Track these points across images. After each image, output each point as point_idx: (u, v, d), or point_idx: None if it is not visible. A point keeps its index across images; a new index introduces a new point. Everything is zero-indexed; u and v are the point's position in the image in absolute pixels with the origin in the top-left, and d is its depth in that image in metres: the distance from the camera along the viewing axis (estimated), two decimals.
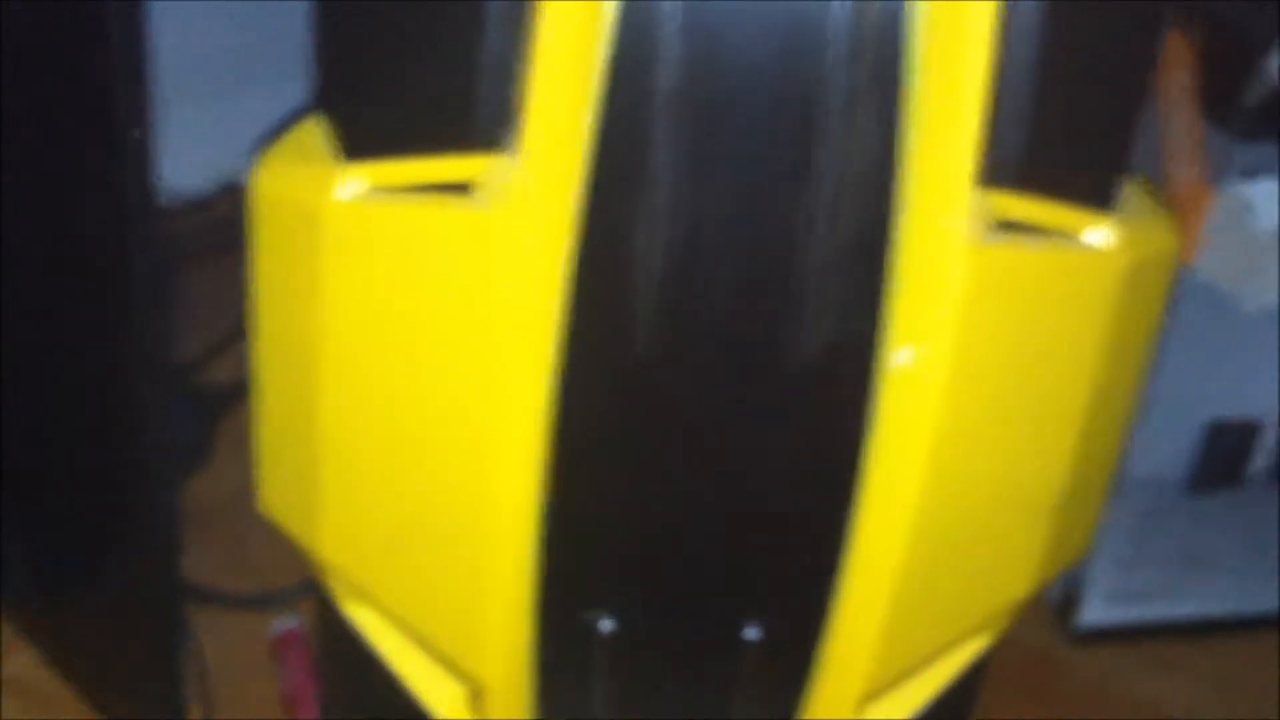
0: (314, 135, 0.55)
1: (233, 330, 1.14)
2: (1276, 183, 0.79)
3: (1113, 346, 0.55)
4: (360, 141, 0.53)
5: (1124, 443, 0.61)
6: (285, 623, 0.94)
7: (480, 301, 0.51)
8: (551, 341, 0.51)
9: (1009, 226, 0.52)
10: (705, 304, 0.52)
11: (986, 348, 0.52)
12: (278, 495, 0.60)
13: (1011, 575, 0.60)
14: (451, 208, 0.51)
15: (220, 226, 1.22)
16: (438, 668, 0.61)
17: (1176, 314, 0.80)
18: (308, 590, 0.92)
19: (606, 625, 0.58)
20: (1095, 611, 0.97)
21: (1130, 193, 0.56)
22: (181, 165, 0.74)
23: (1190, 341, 0.83)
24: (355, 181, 0.52)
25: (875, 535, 0.55)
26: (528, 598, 0.57)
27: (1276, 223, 0.80)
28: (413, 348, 0.53)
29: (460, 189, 0.51)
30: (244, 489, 0.77)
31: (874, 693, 0.61)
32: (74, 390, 0.79)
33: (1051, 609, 1.00)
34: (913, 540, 0.55)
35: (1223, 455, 0.91)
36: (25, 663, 0.91)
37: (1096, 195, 0.54)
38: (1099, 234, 0.54)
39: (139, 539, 0.78)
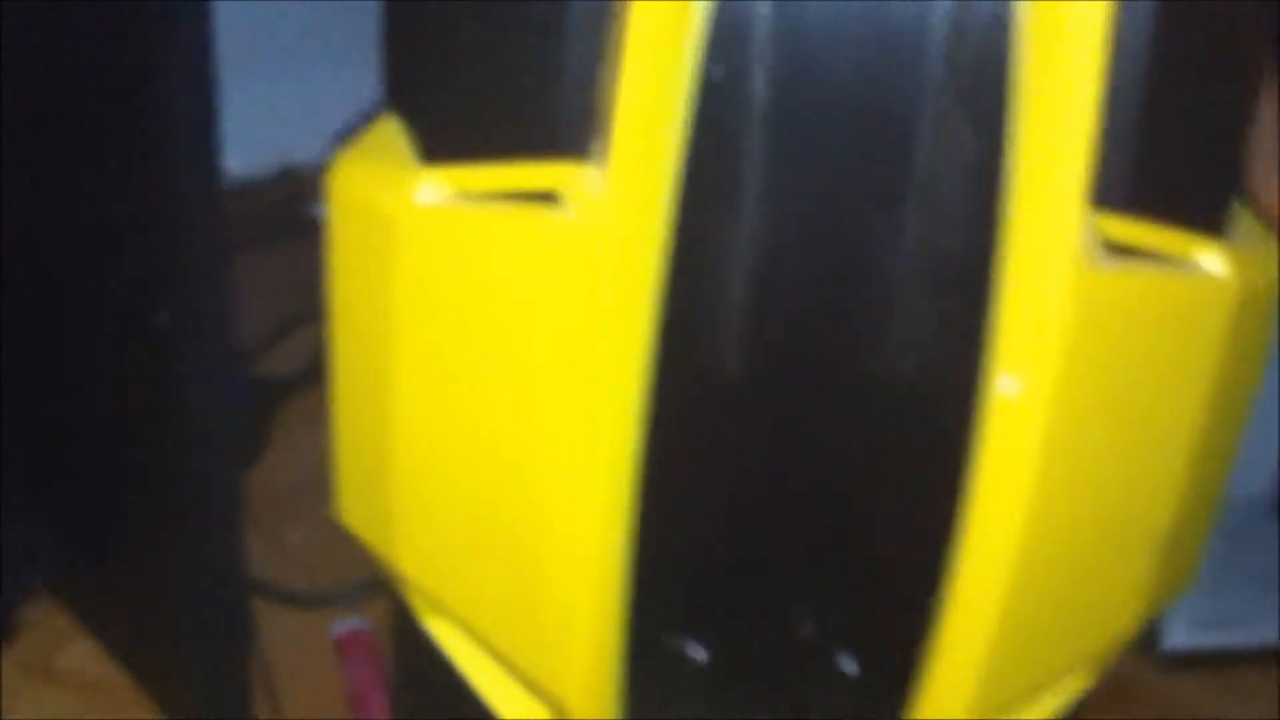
0: (391, 135, 0.54)
1: (289, 319, 1.12)
2: None
3: (1221, 376, 0.53)
4: (437, 143, 0.52)
5: (1229, 472, 0.59)
6: (349, 622, 0.93)
7: (564, 315, 0.49)
8: (639, 357, 0.50)
9: (1116, 250, 0.49)
10: (797, 323, 0.50)
11: (1094, 376, 0.50)
12: (355, 506, 0.58)
13: (1116, 610, 0.58)
14: (535, 217, 0.49)
15: (277, 211, 1.21)
16: (519, 687, 0.59)
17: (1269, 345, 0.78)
18: (371, 589, 0.91)
19: (696, 652, 0.56)
20: (1178, 636, 0.94)
21: (1240, 216, 0.53)
22: (238, 148, 0.73)
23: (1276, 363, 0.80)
24: (434, 186, 0.51)
25: (977, 566, 0.53)
26: (615, 621, 0.55)
27: None
28: (492, 360, 0.51)
29: (543, 197, 0.49)
30: (301, 482, 0.76)
31: None
32: (131, 382, 0.78)
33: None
34: (1016, 573, 0.53)
35: None
36: (83, 655, 0.91)
37: (1207, 218, 0.52)
38: (1211, 260, 0.51)
39: (197, 533, 0.77)
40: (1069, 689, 0.60)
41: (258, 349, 1.13)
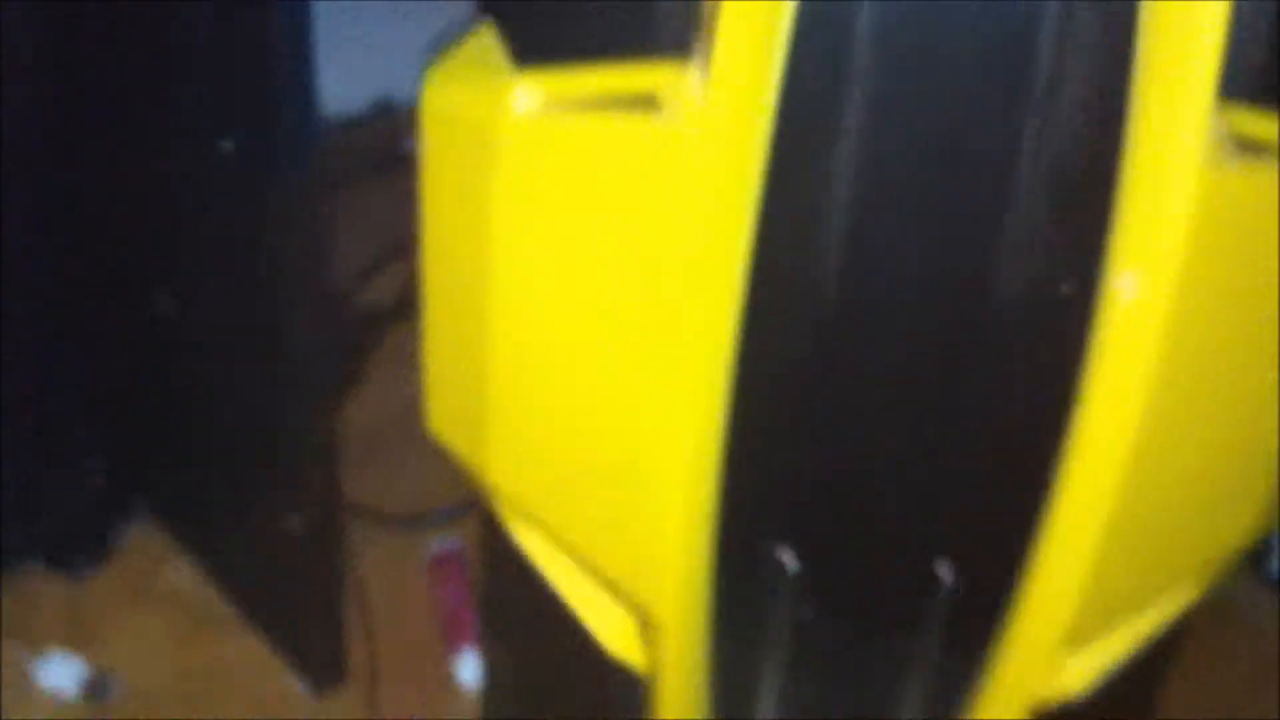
0: (485, 45, 0.52)
1: (385, 254, 1.13)
2: None
3: None
4: (533, 48, 0.50)
5: None
6: (443, 543, 0.93)
7: (663, 222, 0.48)
8: (738, 266, 0.48)
9: (1246, 145, 0.47)
10: (901, 237, 0.48)
11: (1217, 278, 0.48)
12: (446, 417, 0.58)
13: (1226, 522, 0.56)
14: (634, 125, 0.48)
15: (374, 147, 1.21)
16: (607, 597, 0.59)
17: None
18: (464, 511, 0.92)
19: (789, 561, 0.55)
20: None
21: None
22: (335, 85, 0.73)
23: None
24: (530, 94, 0.49)
25: (1086, 475, 0.52)
26: (706, 528, 0.55)
27: None
28: (589, 268, 0.50)
29: (642, 102, 0.48)
30: (398, 411, 0.76)
31: (1075, 640, 0.57)
32: (232, 314, 0.79)
33: (1249, 556, 0.95)
34: (1125, 481, 0.51)
35: None
36: (182, 575, 0.92)
37: None
38: None
39: (293, 459, 0.78)
40: (1175, 602, 0.58)
41: (355, 283, 1.14)
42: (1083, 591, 0.54)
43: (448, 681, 0.85)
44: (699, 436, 0.52)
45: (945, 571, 0.55)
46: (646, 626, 0.58)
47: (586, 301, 0.51)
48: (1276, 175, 0.47)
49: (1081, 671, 0.59)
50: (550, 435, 0.55)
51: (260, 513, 0.85)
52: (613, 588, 0.58)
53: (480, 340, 0.54)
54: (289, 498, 0.80)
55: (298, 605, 0.85)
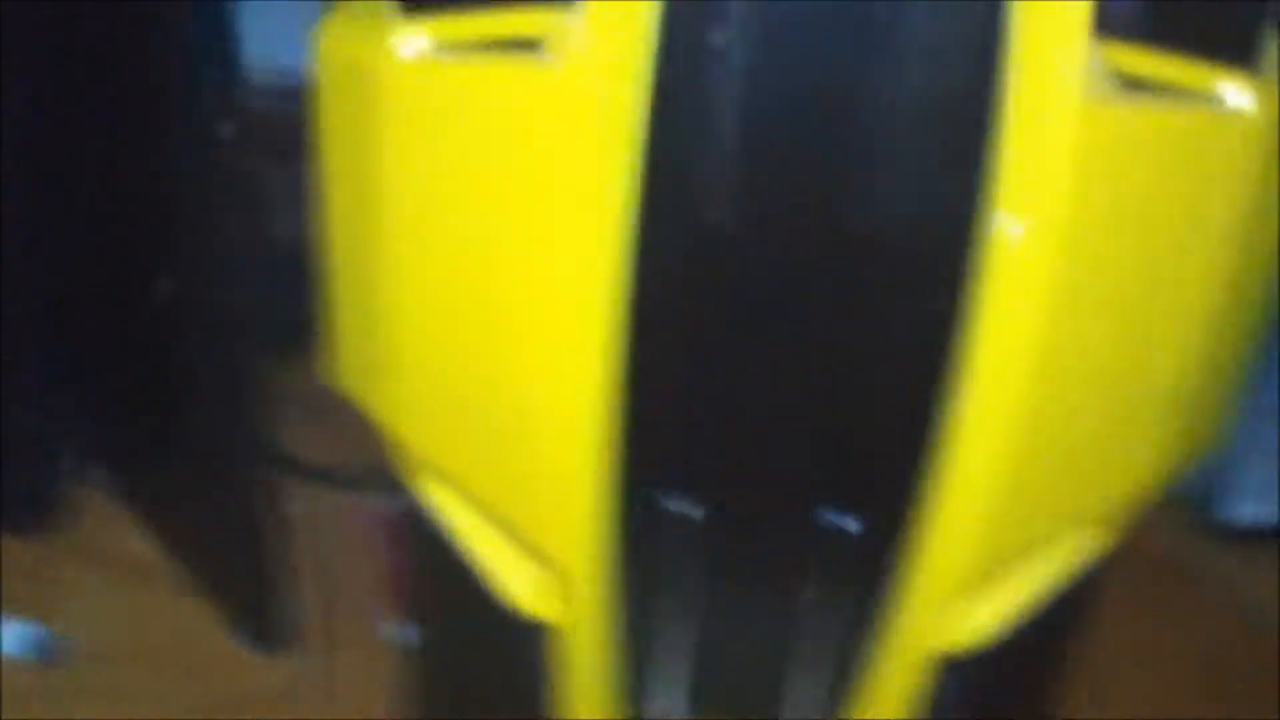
0: None
1: None
2: None
3: (1248, 220, 0.50)
4: None
5: (1262, 328, 0.56)
6: (393, 502, 0.93)
7: (548, 164, 0.48)
8: (624, 206, 0.48)
9: (1132, 84, 0.46)
10: (786, 168, 0.48)
11: (1103, 217, 0.47)
12: (349, 368, 0.58)
13: (1128, 466, 0.55)
14: (517, 67, 0.47)
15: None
16: (516, 550, 0.59)
17: None
18: None
19: (689, 509, 0.55)
20: (1234, 508, 0.91)
21: (1272, 47, 0.49)
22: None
23: None
24: (416, 38, 0.49)
25: (979, 418, 0.51)
26: (606, 478, 0.54)
27: None
28: (479, 214, 0.50)
29: (525, 45, 0.48)
30: None
31: (976, 586, 0.57)
32: (175, 279, 0.79)
33: (1192, 504, 0.95)
34: (1020, 424, 0.51)
35: None
36: (131, 539, 0.92)
37: (1234, 50, 0.48)
38: (1236, 93, 0.48)
39: (235, 424, 0.78)
40: (1080, 548, 0.58)
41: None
42: (979, 536, 0.54)
43: (395, 640, 0.85)
44: (592, 385, 0.52)
45: (847, 520, 0.54)
46: (555, 579, 0.58)
47: (476, 247, 0.51)
48: (1158, 112, 0.46)
49: (985, 620, 0.58)
50: (449, 385, 0.55)
51: (205, 476, 0.85)
52: (519, 541, 0.58)
53: (376, 289, 0.54)
54: (232, 460, 0.80)
55: (245, 567, 0.85)
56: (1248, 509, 0.92)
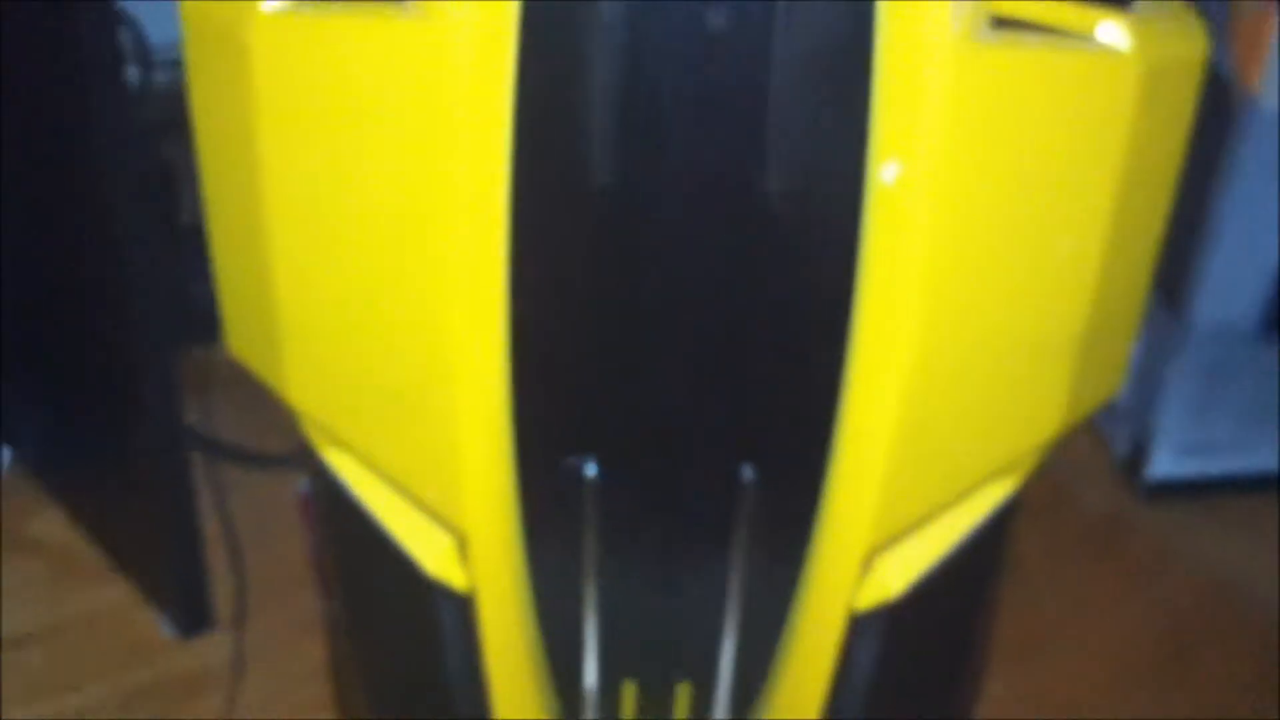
0: None
1: None
2: None
3: (1132, 161, 0.49)
4: None
5: (1151, 271, 0.56)
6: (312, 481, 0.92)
7: (420, 118, 0.47)
8: (501, 164, 0.47)
9: (1006, 24, 0.46)
10: (663, 119, 0.47)
11: (982, 162, 0.47)
12: (242, 337, 0.57)
13: (1030, 416, 0.55)
14: (380, 18, 0.46)
15: None
16: (422, 517, 0.58)
17: (1242, 148, 0.74)
18: None
19: (590, 469, 0.55)
20: (1163, 465, 0.92)
21: None
22: None
23: (1258, 177, 0.76)
24: None
25: (871, 371, 0.51)
26: (504, 442, 0.54)
27: None
28: (356, 173, 0.49)
29: None
30: None
31: (886, 541, 0.57)
32: (85, 258, 0.78)
33: (1120, 463, 0.96)
34: (913, 375, 0.51)
35: None
36: (52, 522, 0.92)
37: None
38: (1112, 32, 0.48)
39: (143, 399, 0.77)
40: (987, 497, 0.58)
41: None
42: (882, 488, 0.54)
43: (318, 621, 0.85)
44: (483, 346, 0.51)
45: (746, 473, 0.54)
46: (461, 544, 0.58)
47: (356, 207, 0.50)
48: (1033, 51, 0.46)
49: (897, 572, 0.58)
50: (341, 351, 0.54)
51: (117, 457, 0.84)
52: (424, 506, 0.57)
53: (261, 256, 0.53)
54: (142, 440, 0.79)
55: (161, 549, 0.84)
56: (1174, 466, 0.92)
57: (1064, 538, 0.93)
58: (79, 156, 0.73)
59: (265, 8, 0.47)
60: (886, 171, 0.46)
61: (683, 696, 0.64)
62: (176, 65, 1.23)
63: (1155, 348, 0.87)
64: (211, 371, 0.99)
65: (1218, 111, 0.75)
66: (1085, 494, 0.96)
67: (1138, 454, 0.92)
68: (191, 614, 0.84)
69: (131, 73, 0.96)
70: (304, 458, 0.94)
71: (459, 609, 0.59)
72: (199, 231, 1.05)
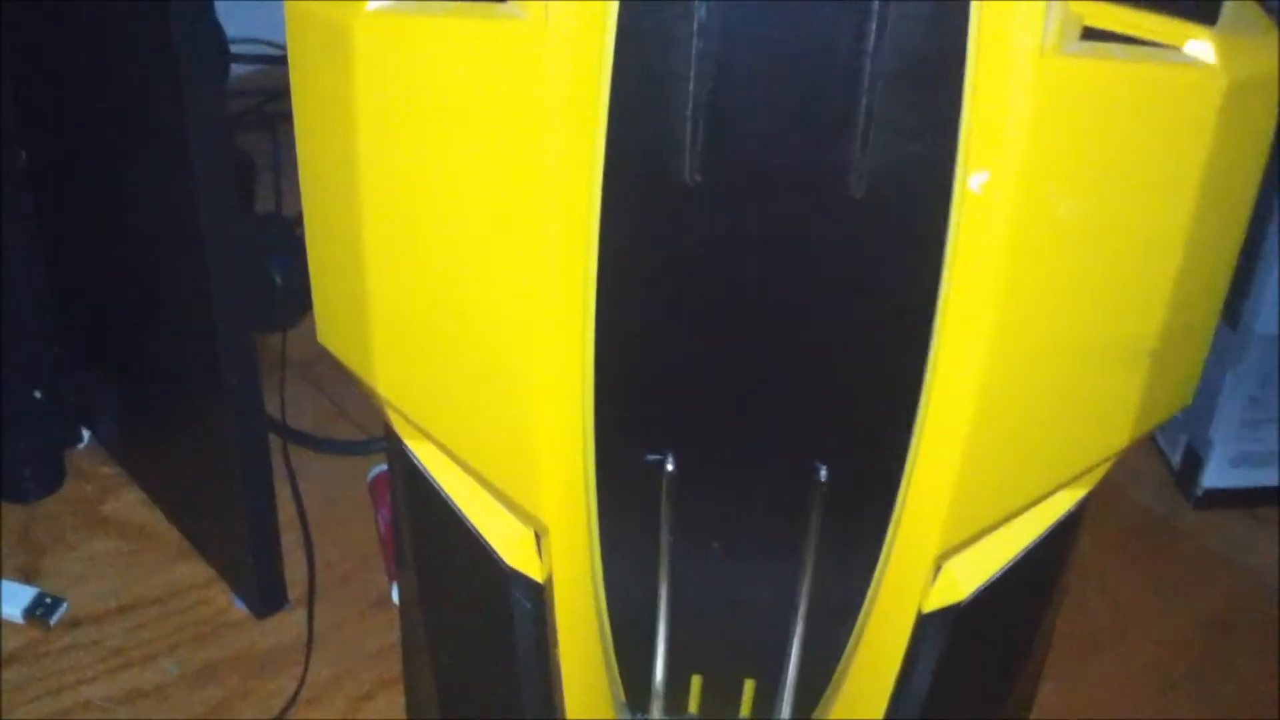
0: None
1: None
2: None
3: (1212, 176, 0.50)
4: None
5: (1226, 285, 0.56)
6: (384, 467, 0.94)
7: (517, 120, 0.48)
8: (593, 164, 0.49)
9: (1094, 35, 0.47)
10: (754, 123, 0.48)
11: (1066, 168, 0.48)
12: (333, 328, 0.58)
13: (1103, 425, 0.56)
14: (480, 17, 0.48)
15: None
16: (501, 509, 0.60)
17: None
18: None
19: (668, 464, 0.56)
20: (1217, 476, 0.92)
21: (1237, 4, 0.50)
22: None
23: None
24: None
25: (949, 376, 0.52)
26: (583, 436, 0.55)
27: None
28: (450, 171, 0.50)
29: None
30: None
31: (956, 545, 0.58)
32: (166, 239, 0.79)
33: (1172, 474, 0.96)
34: (990, 381, 0.52)
35: None
36: (128, 501, 0.94)
37: (1198, 6, 0.49)
38: (1199, 47, 0.48)
39: (224, 383, 0.79)
40: (1056, 505, 0.58)
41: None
42: (957, 494, 0.55)
43: (385, 602, 0.87)
44: (567, 342, 0.53)
45: (822, 472, 0.55)
46: (538, 536, 0.59)
47: (451, 204, 0.51)
48: (1119, 63, 0.47)
49: (966, 575, 0.59)
50: (429, 345, 0.55)
51: (195, 440, 0.86)
52: (502, 499, 0.59)
53: (357, 247, 0.54)
54: (222, 423, 0.81)
55: (238, 530, 0.86)
56: (1226, 476, 0.93)
57: (1115, 541, 0.93)
58: (168, 147, 0.75)
59: (370, 6, 0.49)
60: (974, 180, 0.47)
61: (748, 692, 0.65)
62: (254, 60, 1.26)
63: (1211, 359, 0.88)
64: (283, 358, 1.02)
65: None
66: (1139, 499, 0.96)
67: (1191, 463, 0.93)
68: (266, 593, 0.86)
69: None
70: (374, 444, 0.96)
71: (534, 598, 0.61)
72: (273, 222, 1.07)
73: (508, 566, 0.60)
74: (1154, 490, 0.97)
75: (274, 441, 0.93)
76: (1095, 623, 0.87)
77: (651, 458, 0.56)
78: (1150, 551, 0.93)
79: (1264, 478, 0.92)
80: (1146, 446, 1.00)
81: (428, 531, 0.65)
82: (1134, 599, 0.89)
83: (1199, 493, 0.93)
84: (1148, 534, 0.94)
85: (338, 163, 0.53)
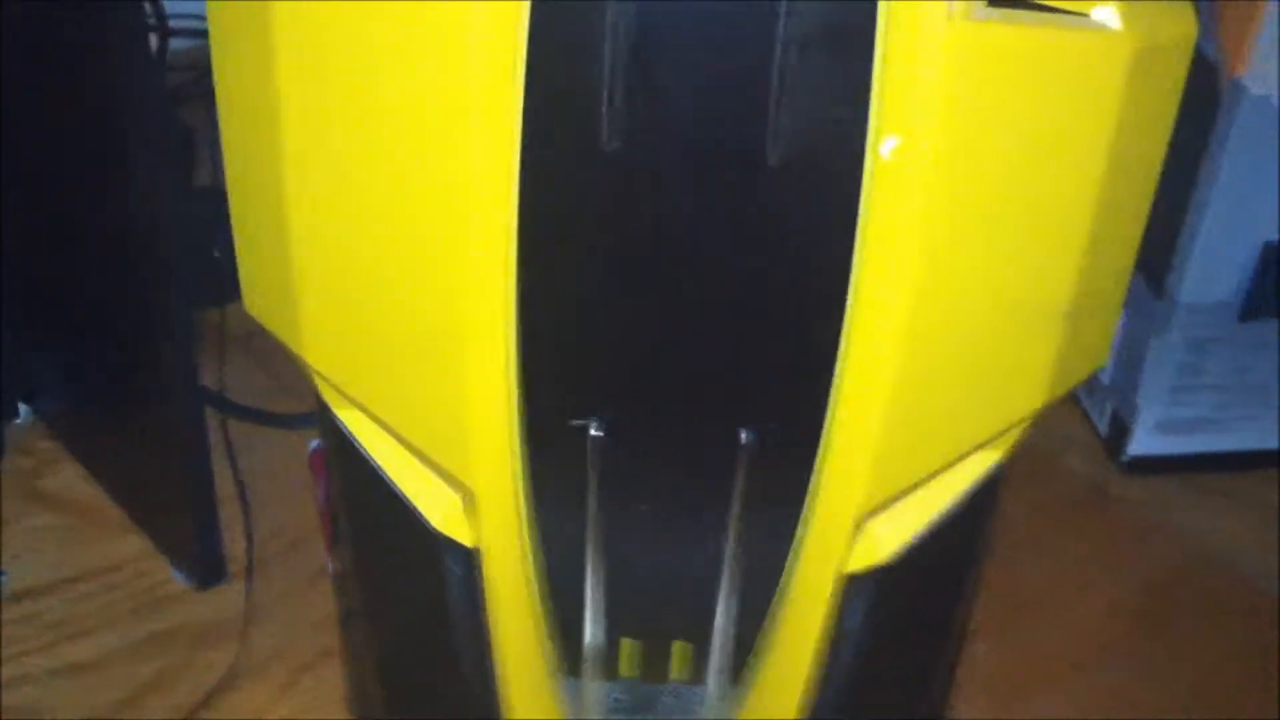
0: None
1: None
2: None
3: (1120, 139, 0.51)
4: None
5: (1136, 248, 0.57)
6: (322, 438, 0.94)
7: (432, 83, 0.49)
8: (512, 130, 0.49)
9: (1002, 2, 0.48)
10: (670, 88, 0.49)
11: (977, 136, 0.49)
12: (259, 295, 0.59)
13: (1019, 387, 0.57)
14: None
15: None
16: (431, 475, 0.60)
17: (1228, 131, 0.75)
18: None
19: (595, 430, 0.57)
20: (1144, 443, 0.94)
21: None
22: None
23: (1243, 160, 0.78)
24: None
25: (867, 338, 0.53)
26: (512, 403, 0.56)
27: None
28: (371, 135, 0.50)
29: None
30: None
31: (877, 505, 0.59)
32: (97, 213, 0.79)
33: (1101, 441, 0.98)
34: (907, 343, 0.53)
35: (1277, 280, 0.87)
36: (67, 477, 0.94)
37: None
38: (1105, 13, 0.49)
39: (160, 357, 0.79)
40: (977, 465, 0.60)
41: None
42: (877, 454, 0.56)
43: (326, 574, 0.87)
44: (492, 307, 0.53)
45: (746, 435, 0.56)
46: (469, 503, 0.60)
47: (372, 168, 0.52)
48: (1028, 28, 0.48)
49: (888, 536, 0.60)
50: (354, 312, 0.56)
51: (134, 414, 0.86)
52: (432, 466, 0.59)
53: (280, 212, 0.54)
54: (160, 397, 0.81)
55: (177, 504, 0.86)
56: (1155, 444, 0.94)
57: (1048, 507, 0.95)
58: (103, 120, 0.75)
59: None
60: (885, 145, 0.48)
61: (680, 654, 0.66)
62: (193, 34, 1.25)
63: (1138, 328, 0.89)
64: (222, 333, 1.01)
65: (1203, 95, 0.77)
66: (1068, 466, 0.98)
67: (1119, 431, 0.94)
68: (205, 566, 0.86)
69: (150, 41, 0.97)
70: (314, 418, 0.96)
71: (465, 564, 0.61)
72: (212, 195, 1.07)
73: (438, 533, 0.61)
74: (1086, 458, 0.98)
75: (214, 416, 0.93)
76: (1031, 588, 0.88)
77: (578, 422, 0.57)
78: (1085, 518, 0.94)
79: (1194, 444, 0.93)
80: (1077, 415, 1.02)
81: (359, 500, 0.65)
82: (1070, 565, 0.90)
83: (1125, 460, 0.94)
84: (1082, 501, 0.95)
85: (259, 126, 0.53)
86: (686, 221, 0.52)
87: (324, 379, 0.59)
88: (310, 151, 0.52)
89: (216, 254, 1.00)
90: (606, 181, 0.51)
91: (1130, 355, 0.92)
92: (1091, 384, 0.98)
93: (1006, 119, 0.49)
